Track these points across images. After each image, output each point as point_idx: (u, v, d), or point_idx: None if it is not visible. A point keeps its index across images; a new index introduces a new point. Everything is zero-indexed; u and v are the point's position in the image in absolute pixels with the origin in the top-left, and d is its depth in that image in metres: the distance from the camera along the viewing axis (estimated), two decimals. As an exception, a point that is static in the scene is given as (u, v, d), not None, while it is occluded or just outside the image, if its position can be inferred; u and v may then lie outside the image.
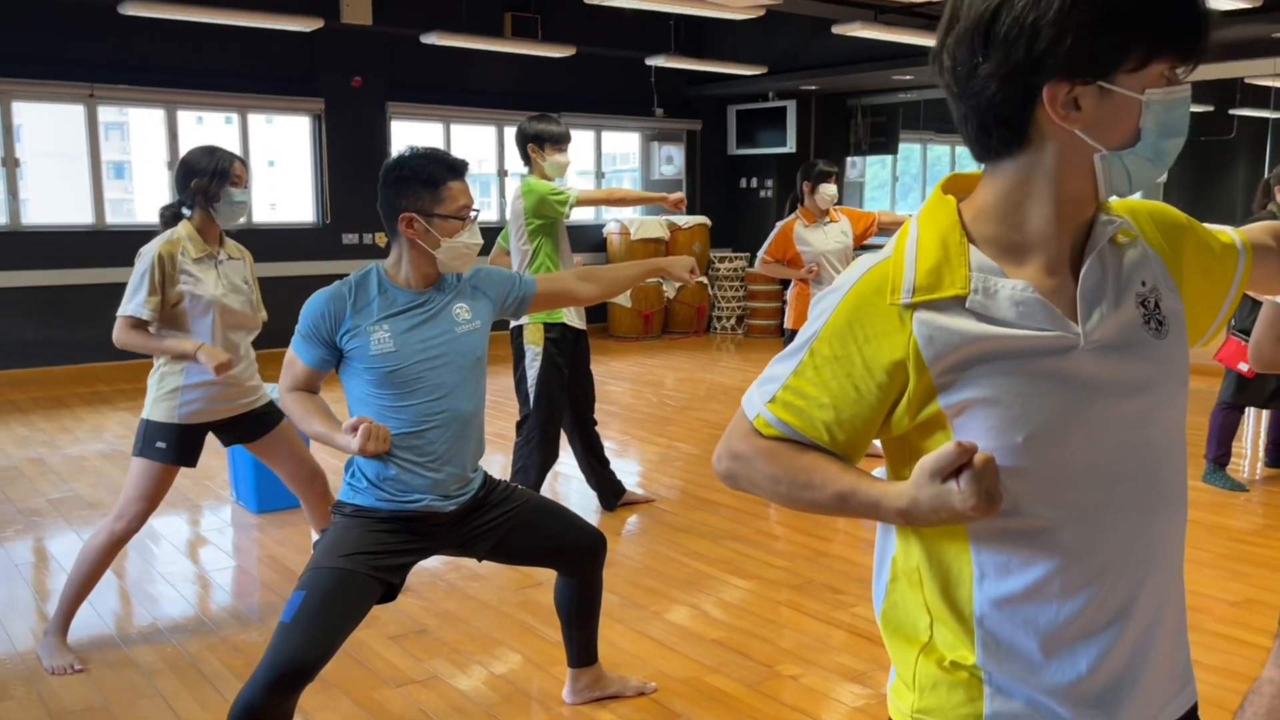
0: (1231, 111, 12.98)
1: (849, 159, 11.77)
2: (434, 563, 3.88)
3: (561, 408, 4.22)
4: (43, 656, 3.10)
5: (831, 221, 5.33)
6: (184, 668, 3.10)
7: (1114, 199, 1.18)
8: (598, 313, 10.22)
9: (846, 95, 11.00)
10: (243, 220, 3.24)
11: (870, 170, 12.52)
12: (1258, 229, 1.34)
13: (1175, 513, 1.16)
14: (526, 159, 4.22)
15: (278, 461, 3.38)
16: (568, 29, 8.99)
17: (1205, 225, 1.27)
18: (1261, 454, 5.44)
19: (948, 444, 1.01)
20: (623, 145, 10.97)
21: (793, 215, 5.35)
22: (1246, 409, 5.05)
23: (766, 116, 10.58)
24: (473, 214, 2.33)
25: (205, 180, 3.08)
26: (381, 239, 9.05)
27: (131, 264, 3.06)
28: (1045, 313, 1.07)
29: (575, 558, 2.56)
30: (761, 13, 6.48)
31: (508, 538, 2.45)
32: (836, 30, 7.54)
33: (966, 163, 13.45)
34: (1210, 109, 13.27)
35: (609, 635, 3.27)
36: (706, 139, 10.98)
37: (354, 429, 2.13)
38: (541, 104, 9.70)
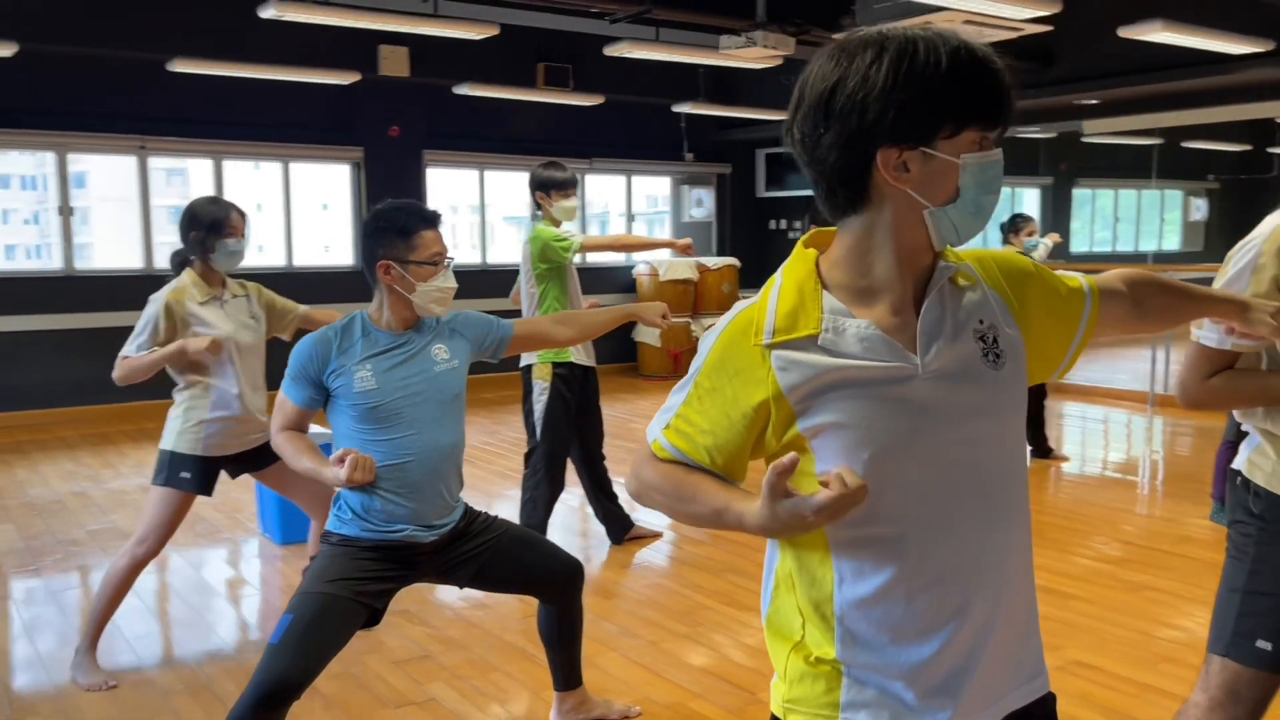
0: (1270, 150, 12.94)
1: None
2: (444, 594, 4.05)
3: (567, 441, 4.39)
4: (77, 675, 3.31)
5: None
6: (199, 688, 3.28)
7: (966, 247, 1.34)
8: (628, 352, 10.42)
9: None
10: (240, 265, 3.44)
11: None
12: (1112, 275, 1.48)
13: (1010, 525, 1.30)
14: (537, 205, 4.43)
15: (292, 488, 3.57)
16: (598, 78, 9.27)
17: (1055, 272, 1.42)
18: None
19: (770, 471, 1.16)
20: (654, 189, 11.20)
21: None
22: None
23: (794, 160, 10.74)
24: (447, 261, 2.52)
25: (202, 232, 3.31)
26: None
27: None
28: (886, 346, 1.23)
29: (553, 586, 2.71)
30: (778, 61, 6.68)
31: (487, 567, 2.60)
32: (855, 77, 7.72)
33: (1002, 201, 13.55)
34: (1249, 148, 13.25)
35: (602, 662, 3.41)
36: (736, 182, 11.19)
37: (340, 460, 2.32)
38: (574, 150, 10.00)
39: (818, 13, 6.50)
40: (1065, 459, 6.44)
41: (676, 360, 10.28)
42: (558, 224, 4.37)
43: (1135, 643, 3.57)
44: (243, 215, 3.44)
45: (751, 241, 11.36)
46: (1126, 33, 6.00)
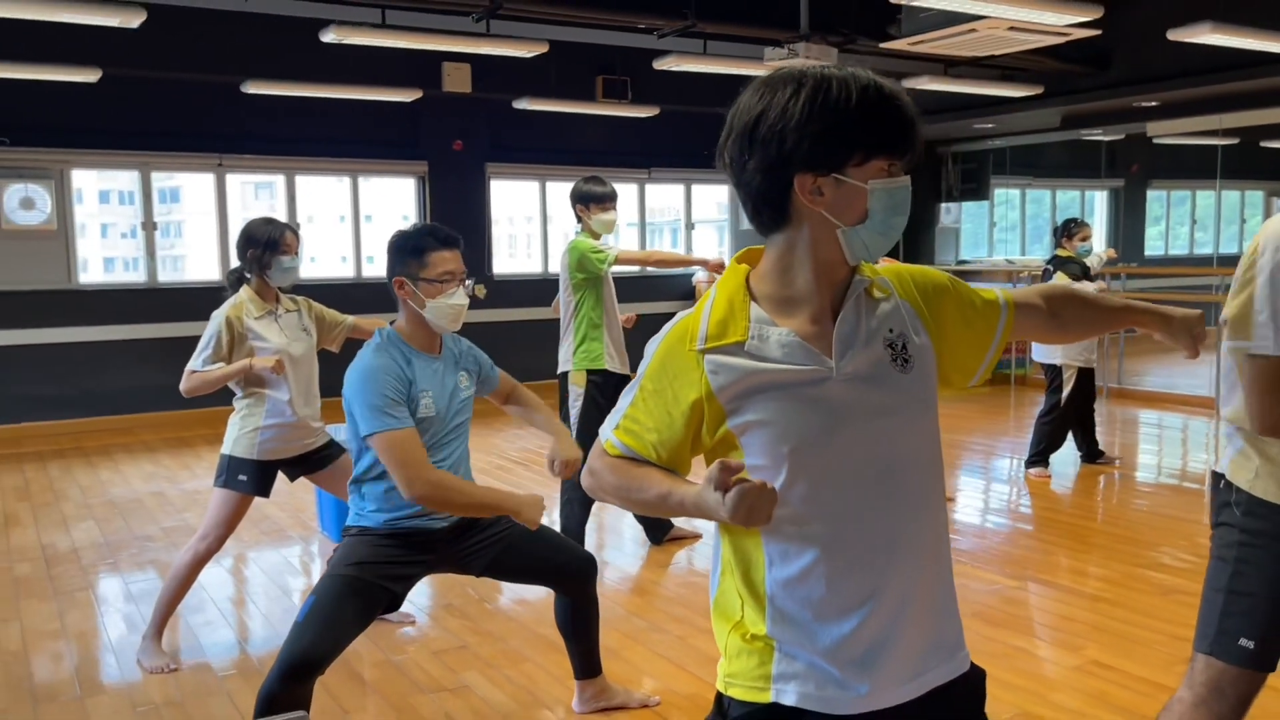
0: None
1: (943, 205, 11.87)
2: (487, 589, 4.24)
3: (603, 446, 4.54)
4: (141, 659, 3.58)
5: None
6: (251, 673, 3.52)
7: (884, 263, 1.47)
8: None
9: (936, 144, 11.13)
10: (297, 279, 3.68)
11: (966, 216, 12.56)
12: (1031, 290, 1.60)
13: (921, 514, 1.42)
14: (579, 218, 4.61)
15: (345, 489, 3.80)
16: (656, 90, 9.44)
17: (970, 286, 1.54)
18: None
19: (715, 462, 1.30)
20: (712, 197, 11.32)
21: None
22: None
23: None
24: (463, 280, 2.69)
25: (259, 250, 3.55)
26: (481, 290, 9.62)
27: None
28: (804, 352, 1.36)
29: (566, 578, 2.88)
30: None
31: (501, 557, 2.78)
32: (907, 84, 7.75)
33: (1067, 204, 13.34)
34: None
35: (628, 654, 3.56)
36: (796, 189, 11.24)
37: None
38: (633, 160, 10.19)
39: (865, 23, 6.57)
40: (1115, 461, 6.40)
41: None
42: (597, 236, 4.54)
43: (1158, 644, 3.59)
44: (296, 234, 3.67)
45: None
46: (1176, 35, 5.96)
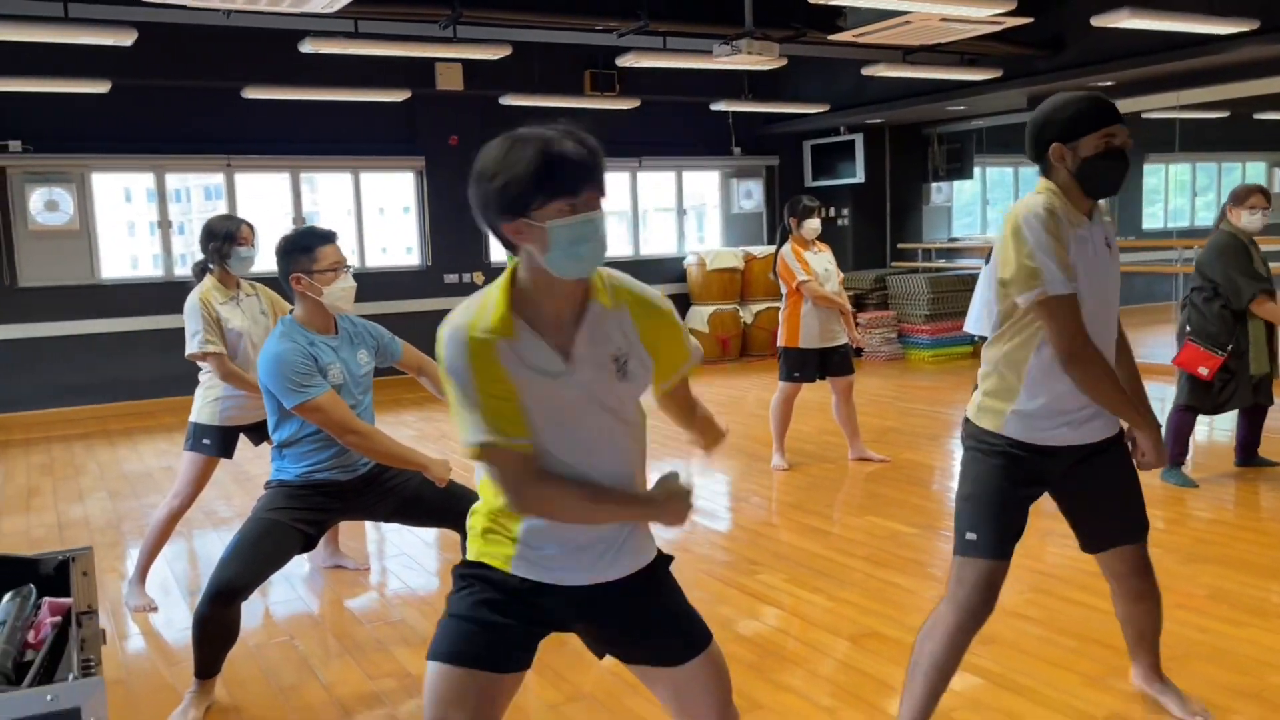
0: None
1: (934, 185, 12.20)
2: (443, 542, 4.73)
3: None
4: (128, 599, 4.14)
5: (820, 251, 5.97)
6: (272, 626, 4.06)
7: (626, 284, 1.88)
8: (679, 339, 11.02)
9: (922, 125, 11.45)
10: (252, 270, 4.17)
11: (958, 195, 12.86)
12: (684, 386, 2.05)
13: (623, 477, 1.88)
14: None
15: None
16: (644, 81, 9.87)
17: (679, 326, 1.94)
18: (1233, 454, 5.69)
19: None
20: (703, 184, 11.74)
21: (786, 244, 6.00)
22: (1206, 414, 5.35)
23: (839, 150, 11.16)
24: (345, 267, 3.17)
25: (219, 242, 4.06)
26: (479, 277, 10.15)
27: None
28: (546, 354, 1.78)
29: (457, 519, 3.36)
30: (783, 62, 7.19)
31: (402, 505, 3.26)
32: (865, 72, 8.13)
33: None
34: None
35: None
36: (784, 173, 11.64)
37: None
38: (625, 149, 10.64)
39: (815, 16, 6.96)
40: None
41: (725, 345, 10.82)
42: None
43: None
44: (251, 227, 4.18)
45: (802, 230, 11.76)
46: (1099, 21, 6.29)
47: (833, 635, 3.58)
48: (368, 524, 5.26)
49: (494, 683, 1.85)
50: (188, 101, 8.72)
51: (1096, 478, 2.64)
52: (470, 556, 1.93)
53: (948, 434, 6.83)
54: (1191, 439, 5.42)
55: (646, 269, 11.19)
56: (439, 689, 1.83)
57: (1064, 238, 2.43)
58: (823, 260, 5.91)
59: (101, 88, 7.45)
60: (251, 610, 3.87)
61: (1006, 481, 2.55)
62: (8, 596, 1.24)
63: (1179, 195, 14.49)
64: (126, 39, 5.75)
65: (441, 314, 1.85)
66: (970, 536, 2.55)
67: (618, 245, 11.07)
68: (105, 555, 4.88)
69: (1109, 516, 2.71)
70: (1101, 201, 2.58)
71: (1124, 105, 9.31)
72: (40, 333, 8.54)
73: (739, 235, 11.65)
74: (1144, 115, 11.29)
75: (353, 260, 9.93)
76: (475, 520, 1.94)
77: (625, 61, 7.27)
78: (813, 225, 5.89)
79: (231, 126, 8.95)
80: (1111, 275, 2.56)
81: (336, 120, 9.30)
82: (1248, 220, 4.98)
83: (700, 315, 10.81)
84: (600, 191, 1.76)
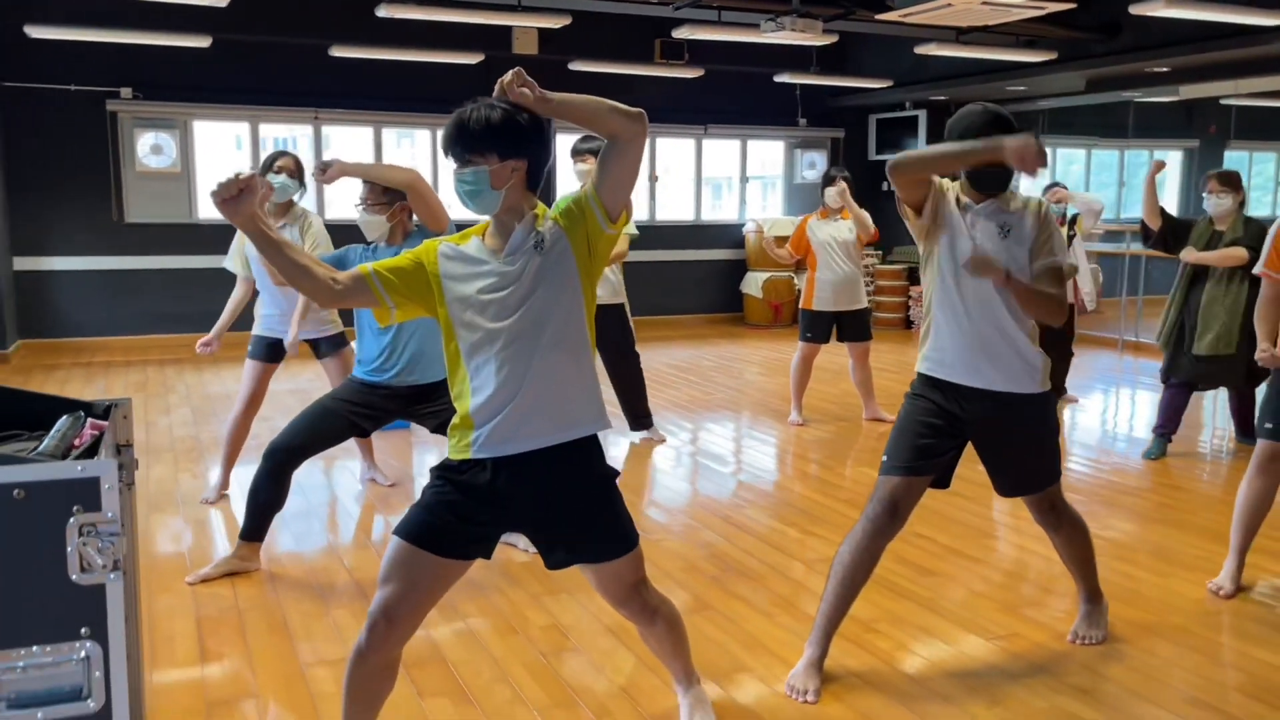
0: None
1: (1002, 164, 12.29)
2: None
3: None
4: (206, 496, 4.79)
5: (842, 219, 6.34)
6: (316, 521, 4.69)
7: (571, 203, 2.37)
8: (734, 303, 11.45)
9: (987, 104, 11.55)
10: (295, 198, 4.68)
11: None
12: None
13: (556, 351, 2.31)
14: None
15: (336, 376, 4.89)
16: (713, 52, 10.22)
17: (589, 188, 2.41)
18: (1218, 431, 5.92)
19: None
20: (769, 153, 12.05)
21: (811, 213, 6.39)
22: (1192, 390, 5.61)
23: (903, 124, 11.36)
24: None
25: (259, 171, 4.63)
26: (546, 234, 10.67)
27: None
28: (489, 253, 2.31)
29: None
30: (834, 38, 7.50)
31: (442, 427, 3.71)
32: (918, 50, 8.38)
33: (1133, 162, 13.50)
34: None
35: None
36: (849, 145, 11.88)
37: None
38: (692, 117, 11.04)
39: (864, -5, 7.26)
40: (1077, 400, 7.05)
41: (777, 311, 11.19)
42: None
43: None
44: (296, 160, 4.64)
45: (863, 202, 11.89)
46: (1137, 10, 6.46)
47: (791, 559, 4.03)
48: (414, 449, 5.85)
49: (433, 563, 2.32)
50: (280, 58, 9.39)
51: (1008, 433, 3.03)
52: (447, 458, 2.43)
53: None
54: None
55: (707, 234, 11.60)
56: (390, 557, 2.33)
57: (949, 212, 2.96)
58: (831, 229, 6.27)
59: (203, 42, 8.14)
60: (300, 508, 4.51)
61: (915, 410, 3.02)
62: (65, 417, 1.78)
63: (1263, 187, 14.25)
64: (221, 0, 6.37)
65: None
66: (885, 459, 2.98)
67: (679, 209, 11.49)
68: (182, 459, 5.57)
69: (1017, 469, 3.10)
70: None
71: (1191, 91, 9.35)
72: (143, 265, 9.36)
73: (801, 205, 11.94)
74: (1222, 101, 11.23)
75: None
76: (450, 429, 2.44)
77: (680, 34, 7.66)
78: (829, 193, 6.24)
79: (319, 82, 9.60)
80: (1002, 252, 2.93)
81: (417, 79, 9.88)
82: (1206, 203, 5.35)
83: (755, 281, 11.18)
84: (470, 154, 2.23)
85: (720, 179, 12.11)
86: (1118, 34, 8.28)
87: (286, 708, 2.85)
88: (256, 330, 4.79)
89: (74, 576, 1.52)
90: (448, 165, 2.31)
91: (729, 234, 11.52)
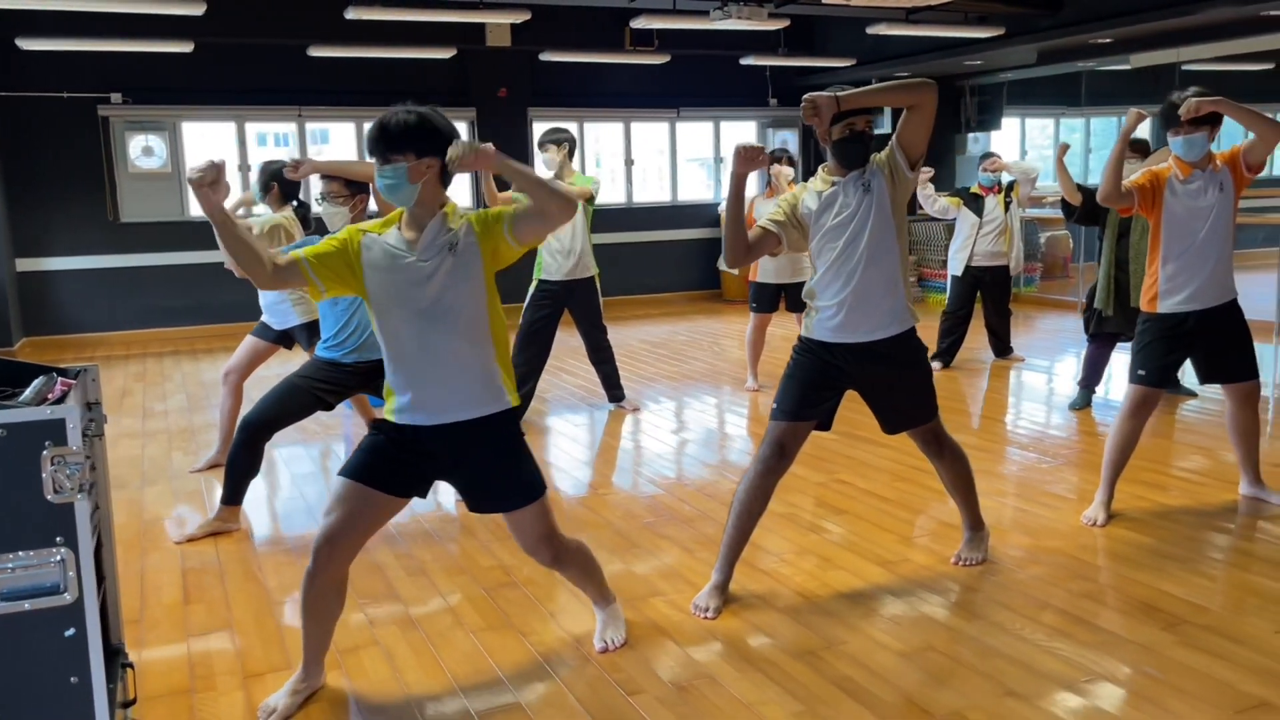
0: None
1: (970, 135, 12.63)
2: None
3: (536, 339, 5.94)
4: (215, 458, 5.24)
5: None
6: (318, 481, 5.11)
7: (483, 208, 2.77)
8: (711, 280, 11.83)
9: (955, 77, 11.89)
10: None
11: (996, 144, 13.24)
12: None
13: (457, 339, 2.69)
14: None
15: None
16: (682, 37, 10.57)
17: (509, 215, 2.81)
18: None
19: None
20: (742, 134, 12.40)
21: (759, 193, 6.78)
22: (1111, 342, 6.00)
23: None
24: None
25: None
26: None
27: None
28: (405, 245, 2.69)
29: None
30: (785, 23, 7.85)
31: None
32: (870, 31, 8.73)
33: (1102, 131, 13.82)
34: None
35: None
36: (819, 124, 12.22)
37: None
38: (664, 101, 11.39)
39: (812, -20, 7.61)
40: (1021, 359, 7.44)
41: (753, 286, 11.57)
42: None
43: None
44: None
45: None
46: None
47: (722, 506, 4.44)
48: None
49: (370, 495, 2.72)
50: (261, 59, 9.79)
51: (883, 378, 3.42)
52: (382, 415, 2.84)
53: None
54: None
55: (682, 214, 11.98)
56: (333, 493, 2.75)
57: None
58: (770, 208, 6.63)
59: (186, 47, 8.55)
60: (298, 468, 4.93)
61: (801, 362, 3.40)
62: (41, 377, 2.19)
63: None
64: (197, 9, 6.77)
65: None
66: (774, 405, 3.38)
67: (655, 191, 11.86)
68: (175, 439, 6.00)
69: (895, 409, 3.49)
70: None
71: (1163, 56, 9.63)
72: (138, 262, 9.80)
73: (775, 183, 12.31)
74: (1183, 67, 11.54)
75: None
76: (385, 393, 2.84)
77: (638, 23, 8.03)
78: (778, 172, 6.62)
79: (301, 81, 9.99)
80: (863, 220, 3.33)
81: (394, 74, 10.26)
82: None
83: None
84: (390, 153, 2.57)
85: (693, 160, 12.46)
86: (1060, 8, 8.61)
87: (257, 635, 3.28)
88: (264, 317, 5.27)
89: (49, 496, 1.94)
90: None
91: (704, 213, 11.89)
